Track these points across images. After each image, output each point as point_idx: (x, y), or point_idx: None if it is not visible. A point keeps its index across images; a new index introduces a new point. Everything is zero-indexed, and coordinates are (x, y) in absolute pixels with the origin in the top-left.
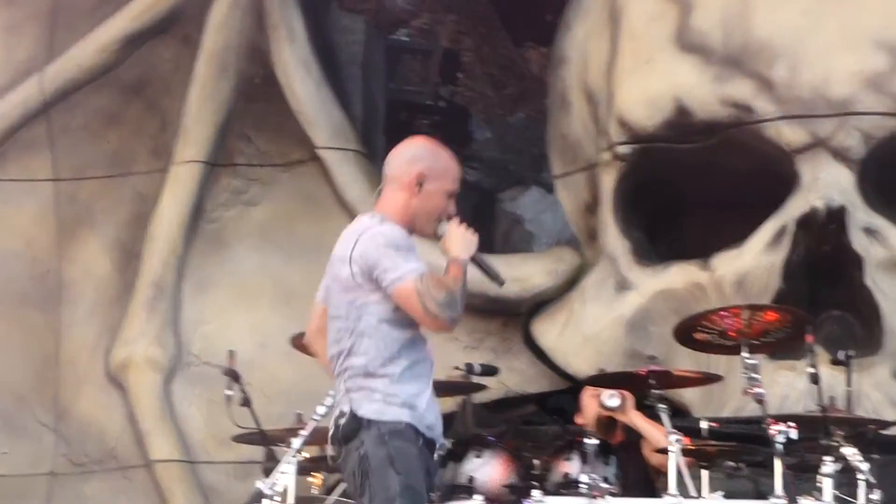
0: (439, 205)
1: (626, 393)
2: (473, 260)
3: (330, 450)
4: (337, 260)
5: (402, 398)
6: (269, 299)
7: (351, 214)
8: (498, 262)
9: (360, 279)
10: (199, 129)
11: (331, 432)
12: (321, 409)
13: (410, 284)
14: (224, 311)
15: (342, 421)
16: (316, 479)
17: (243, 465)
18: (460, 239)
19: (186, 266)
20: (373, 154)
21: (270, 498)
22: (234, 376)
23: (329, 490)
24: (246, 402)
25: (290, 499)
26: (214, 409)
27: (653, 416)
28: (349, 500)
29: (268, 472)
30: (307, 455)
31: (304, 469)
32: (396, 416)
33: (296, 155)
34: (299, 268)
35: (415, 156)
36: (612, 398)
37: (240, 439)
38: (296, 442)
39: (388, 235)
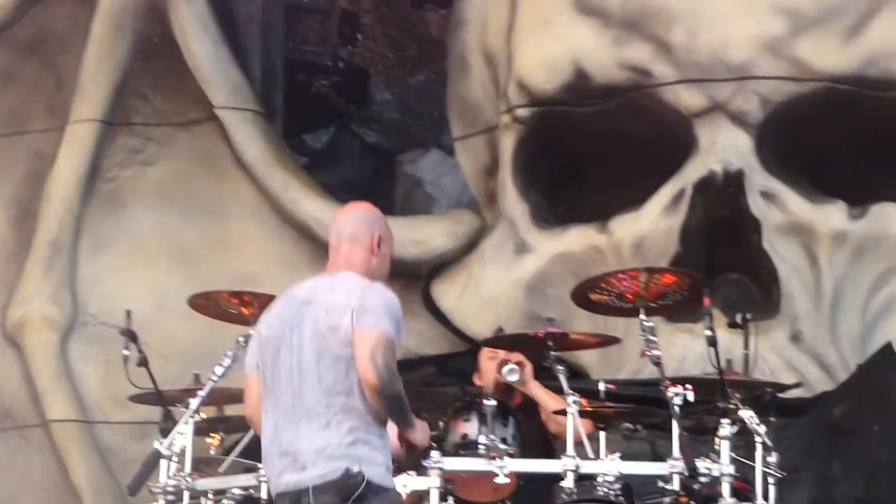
0: (388, 266)
1: (524, 361)
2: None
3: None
4: (331, 309)
5: (388, 464)
6: (167, 259)
7: (249, 174)
8: (398, 225)
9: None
10: (95, 88)
11: (319, 480)
12: (219, 370)
13: (380, 335)
14: (121, 270)
15: (351, 481)
16: (214, 440)
17: (140, 426)
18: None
19: (83, 225)
20: (271, 114)
21: (168, 458)
22: (131, 336)
23: (227, 451)
24: (143, 362)
25: (188, 459)
26: (111, 368)
27: (550, 377)
28: (247, 461)
29: (165, 433)
30: (205, 416)
31: (202, 430)
32: (393, 485)
33: (193, 114)
34: (197, 228)
35: (370, 218)
36: (511, 373)
37: (137, 399)
38: (193, 402)
39: (392, 303)
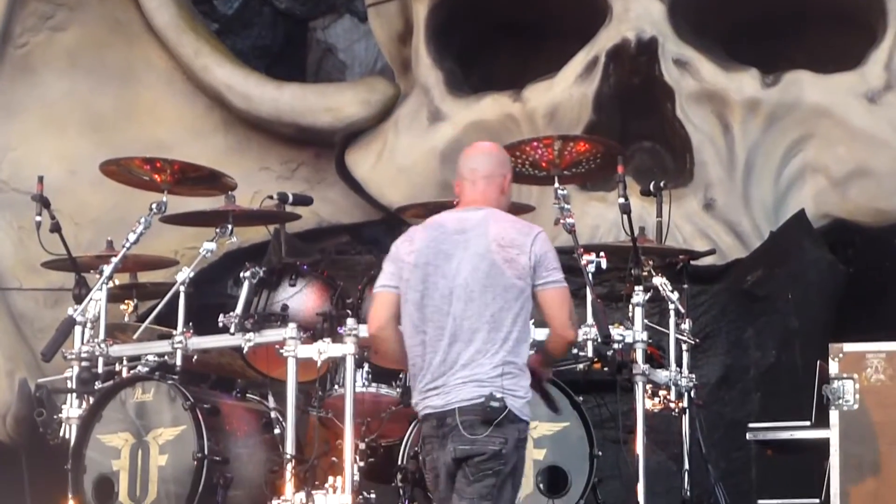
0: (509, 204)
1: None
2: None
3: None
4: (503, 242)
5: (529, 398)
6: (78, 126)
7: (160, 41)
8: (310, 92)
9: (530, 272)
10: None
11: (465, 403)
12: (132, 236)
13: (566, 292)
14: (32, 136)
15: (494, 404)
16: (127, 307)
17: (54, 293)
18: None
19: None
20: None
21: (82, 325)
22: (43, 202)
23: (140, 318)
24: (56, 228)
25: (102, 326)
26: (24, 235)
27: None
28: (160, 328)
29: (79, 300)
30: (118, 282)
31: (116, 296)
32: (527, 418)
33: None
34: (109, 94)
35: (502, 160)
36: None
37: (50, 265)
38: (107, 269)
39: (547, 245)
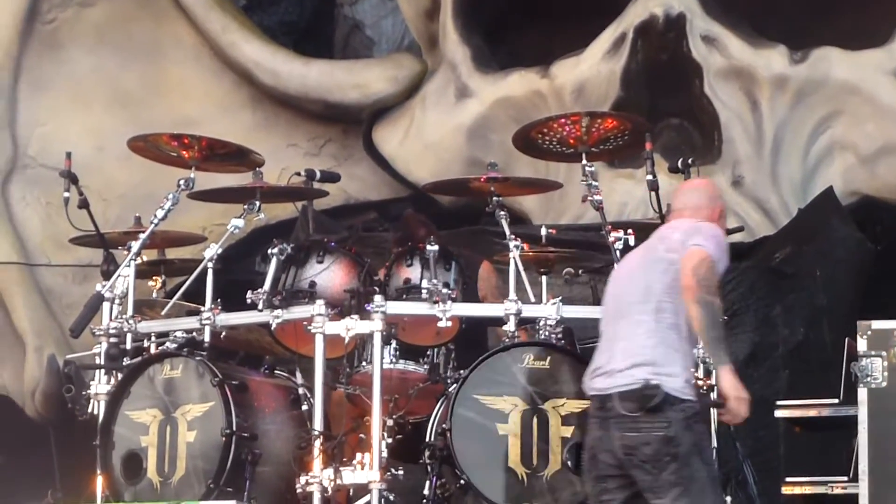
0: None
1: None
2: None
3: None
4: (664, 230)
5: (688, 376)
6: (106, 102)
7: (188, 17)
8: (338, 69)
9: (680, 245)
10: None
11: (623, 388)
12: (160, 213)
13: (704, 253)
14: (60, 112)
15: (649, 392)
16: (155, 283)
17: (82, 269)
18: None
19: (22, 68)
20: None
21: (110, 301)
22: (71, 178)
23: (169, 294)
24: (84, 205)
25: (130, 302)
26: (52, 211)
27: (493, 223)
28: (188, 304)
29: (107, 276)
30: (146, 258)
31: (144, 273)
32: (692, 396)
33: None
34: (136, 70)
35: (714, 195)
36: None
37: (78, 242)
38: (135, 245)
39: (721, 237)
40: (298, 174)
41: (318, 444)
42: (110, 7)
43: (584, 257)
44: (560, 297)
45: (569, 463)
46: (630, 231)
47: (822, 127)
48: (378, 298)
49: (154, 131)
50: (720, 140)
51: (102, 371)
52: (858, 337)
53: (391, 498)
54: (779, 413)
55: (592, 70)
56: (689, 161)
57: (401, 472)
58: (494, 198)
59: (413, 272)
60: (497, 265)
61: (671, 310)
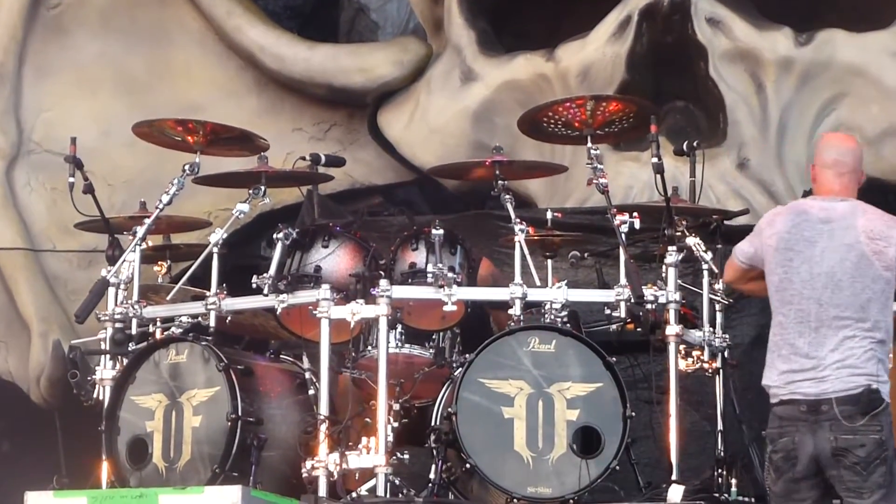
0: None
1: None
2: None
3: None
4: (873, 234)
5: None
6: (111, 87)
7: (192, 1)
8: (343, 53)
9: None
10: None
11: (842, 393)
12: (165, 198)
13: None
14: (65, 98)
15: (873, 396)
16: (161, 268)
17: (87, 254)
18: None
19: (26, 52)
20: None
21: (115, 286)
22: (76, 163)
23: (174, 279)
24: (89, 190)
25: (135, 287)
26: (57, 196)
27: (498, 206)
28: (194, 289)
29: (112, 261)
30: (151, 243)
31: (149, 258)
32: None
33: None
34: (141, 55)
35: (861, 156)
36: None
37: (83, 227)
38: (140, 230)
39: None
40: (303, 158)
41: (323, 428)
42: None
43: (589, 240)
44: (565, 281)
45: (574, 447)
46: (635, 214)
47: (828, 109)
48: (383, 282)
49: (159, 116)
50: (725, 122)
51: (108, 356)
52: None
53: (397, 482)
54: None
55: (597, 53)
56: (695, 143)
57: (406, 456)
58: (500, 181)
59: (418, 256)
60: (502, 250)
61: (885, 328)
